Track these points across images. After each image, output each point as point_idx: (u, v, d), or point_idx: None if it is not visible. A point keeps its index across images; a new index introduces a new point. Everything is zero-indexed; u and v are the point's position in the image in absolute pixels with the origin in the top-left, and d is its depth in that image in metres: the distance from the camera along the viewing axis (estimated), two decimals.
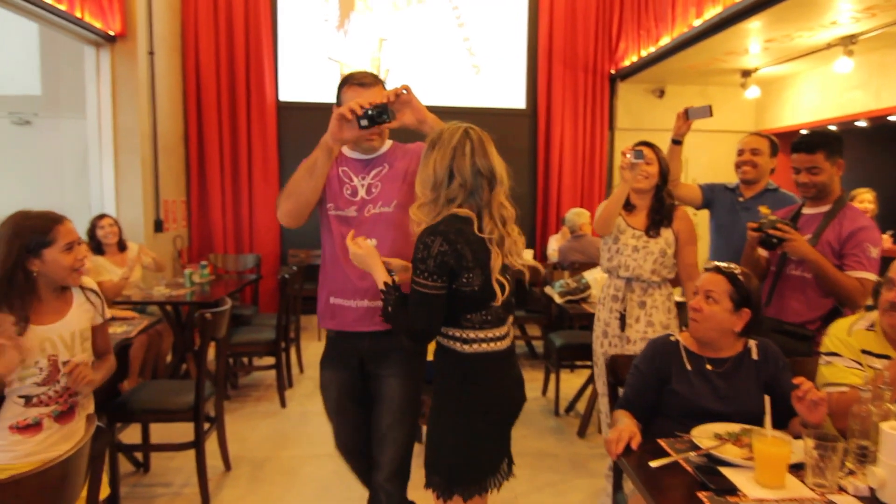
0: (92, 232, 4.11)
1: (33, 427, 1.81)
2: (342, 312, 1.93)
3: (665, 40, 4.90)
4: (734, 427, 1.67)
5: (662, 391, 1.88)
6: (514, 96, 6.31)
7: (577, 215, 4.81)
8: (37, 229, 1.79)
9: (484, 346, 1.65)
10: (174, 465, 3.19)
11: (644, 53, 5.38)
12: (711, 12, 4.16)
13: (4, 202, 6.04)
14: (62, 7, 4.18)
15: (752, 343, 1.89)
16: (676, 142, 2.90)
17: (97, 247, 4.12)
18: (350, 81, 1.92)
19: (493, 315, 1.65)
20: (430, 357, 1.81)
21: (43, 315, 1.84)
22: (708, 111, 2.79)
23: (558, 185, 6.30)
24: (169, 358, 4.27)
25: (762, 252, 2.51)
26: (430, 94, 6.14)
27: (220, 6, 5.82)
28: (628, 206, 2.70)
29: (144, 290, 4.10)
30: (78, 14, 4.36)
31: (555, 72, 6.18)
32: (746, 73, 5.55)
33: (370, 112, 1.76)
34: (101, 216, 4.14)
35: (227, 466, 3.15)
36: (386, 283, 1.65)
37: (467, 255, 1.54)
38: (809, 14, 3.95)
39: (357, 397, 2.00)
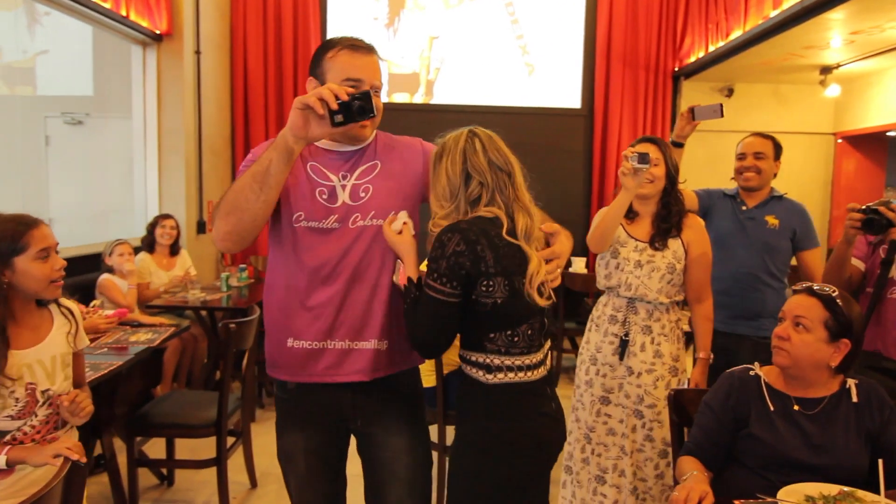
0: (151, 228, 4.09)
1: (3, 472, 1.53)
2: (309, 359, 1.49)
3: (736, 34, 4.51)
4: (831, 489, 1.36)
5: (738, 435, 1.58)
6: (569, 96, 6.00)
7: None
8: (6, 234, 1.58)
9: (511, 375, 1.39)
10: (199, 479, 3.03)
11: (712, 49, 4.98)
12: (790, 1, 3.77)
13: (59, 201, 6.12)
14: (107, 5, 4.13)
15: (852, 382, 1.56)
16: (677, 144, 2.56)
17: (150, 244, 4.07)
18: (340, 44, 1.47)
19: (523, 338, 1.40)
20: (425, 383, 1.59)
21: (19, 337, 1.61)
22: (718, 111, 2.45)
23: (615, 189, 5.93)
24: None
25: (857, 263, 2.14)
26: (481, 94, 5.90)
27: (269, 6, 5.73)
28: (629, 214, 2.31)
29: (179, 293, 3.99)
30: (123, 13, 4.30)
31: (613, 70, 5.84)
32: (826, 70, 5.09)
33: (352, 102, 1.31)
34: (166, 216, 4.17)
35: (253, 483, 2.98)
36: (409, 279, 1.42)
37: (488, 259, 1.33)
38: None
39: (335, 465, 1.60)
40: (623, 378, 2.25)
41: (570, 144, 6.01)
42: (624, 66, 5.83)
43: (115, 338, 2.75)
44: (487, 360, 1.40)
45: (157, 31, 4.74)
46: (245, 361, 2.91)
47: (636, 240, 2.27)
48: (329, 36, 5.87)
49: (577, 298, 4.79)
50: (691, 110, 2.54)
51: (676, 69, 5.79)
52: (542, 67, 5.98)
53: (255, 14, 5.72)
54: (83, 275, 3.96)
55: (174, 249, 4.17)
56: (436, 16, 5.94)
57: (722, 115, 2.46)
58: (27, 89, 6.21)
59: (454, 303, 1.34)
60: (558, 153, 5.99)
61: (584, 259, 5.18)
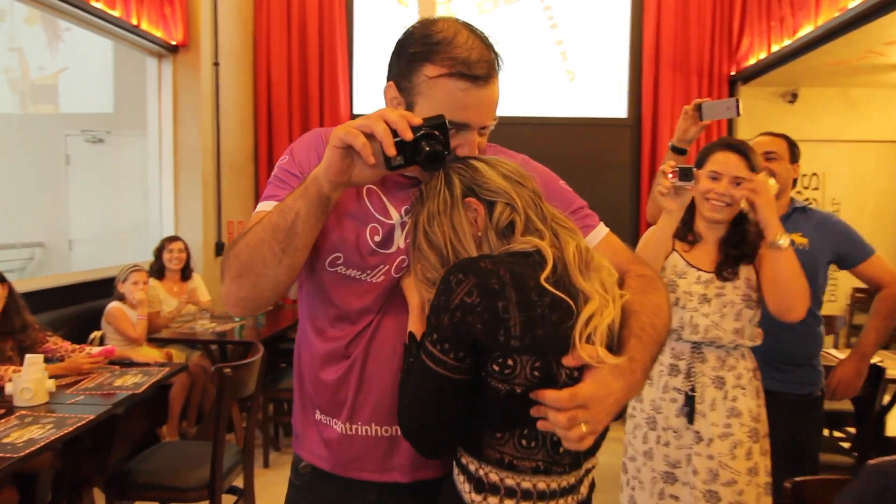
0: (158, 252, 3.77)
1: None
2: (333, 442, 1.14)
3: (806, 30, 4.01)
4: None
5: None
6: (613, 105, 5.54)
7: None
8: None
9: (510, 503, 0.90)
10: None
11: (776, 48, 4.48)
12: None
13: (80, 222, 5.91)
14: (117, 14, 3.86)
15: None
16: (679, 150, 2.07)
17: (160, 270, 3.75)
18: (452, 62, 1.00)
19: (544, 446, 0.90)
20: None
21: None
22: (733, 108, 1.94)
23: (649, 199, 5.43)
24: None
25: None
26: (519, 104, 5.48)
27: (293, 15, 5.44)
28: (686, 237, 1.88)
29: (188, 322, 3.65)
30: (135, 22, 4.04)
31: (662, 76, 5.36)
32: None
33: (418, 144, 0.89)
34: (173, 238, 3.81)
35: None
36: (410, 334, 1.02)
37: (512, 324, 0.83)
38: None
39: None
40: (690, 447, 1.77)
41: (615, 157, 5.53)
42: (674, 71, 5.34)
43: (97, 381, 2.39)
44: (481, 472, 0.92)
45: (173, 42, 4.47)
46: (251, 407, 2.52)
47: (699, 269, 1.82)
48: (355, 46, 5.56)
49: None
50: (698, 107, 2.02)
51: (733, 73, 5.28)
52: (583, 74, 5.54)
53: (279, 23, 5.43)
54: (95, 300, 3.66)
55: (185, 274, 3.84)
56: (469, 22, 5.56)
57: (738, 114, 1.95)
58: (49, 107, 6.04)
59: (459, 381, 0.87)
60: (602, 167, 5.52)
61: None
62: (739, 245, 1.80)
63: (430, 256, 0.99)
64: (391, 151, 0.88)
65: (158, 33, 4.31)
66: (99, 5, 3.71)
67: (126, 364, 2.62)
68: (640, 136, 5.50)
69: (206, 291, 3.97)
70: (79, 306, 3.61)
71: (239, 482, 2.49)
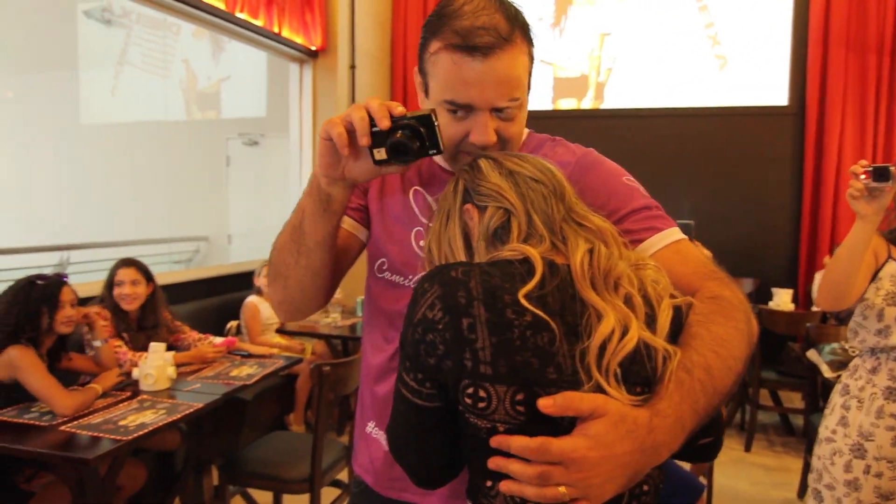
0: None
1: None
2: (382, 460, 1.07)
3: None
4: None
5: None
6: (771, 91, 4.97)
7: None
8: None
9: None
10: None
11: None
12: None
13: (237, 218, 6.43)
14: (259, 23, 4.11)
15: None
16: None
17: None
18: (446, 30, 0.89)
19: None
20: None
21: None
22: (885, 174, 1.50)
23: (833, 205, 4.78)
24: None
25: None
26: (661, 95, 5.12)
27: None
28: None
29: (314, 318, 3.79)
30: (276, 30, 4.28)
31: (833, 56, 4.71)
32: None
33: (392, 134, 0.83)
34: None
35: None
36: None
37: (478, 346, 0.69)
38: None
39: None
40: None
41: (773, 150, 4.97)
42: (847, 50, 4.68)
43: (217, 371, 2.53)
44: None
45: (313, 48, 4.68)
46: (354, 403, 2.55)
47: None
48: None
49: (778, 342, 3.82)
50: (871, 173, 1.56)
51: None
52: (736, 60, 5.03)
53: (416, 25, 5.50)
54: (234, 292, 3.95)
55: None
56: (608, 10, 5.28)
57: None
58: (212, 113, 6.63)
59: (425, 408, 0.75)
60: (758, 161, 4.98)
61: (791, 291, 4.16)
62: None
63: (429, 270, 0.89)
64: (363, 141, 0.81)
65: (299, 39, 4.53)
66: (243, 16, 3.96)
67: (245, 355, 2.76)
68: (803, 126, 4.89)
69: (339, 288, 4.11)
70: (225, 296, 3.92)
71: (344, 476, 2.53)
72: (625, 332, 0.70)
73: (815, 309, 3.96)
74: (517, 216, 0.81)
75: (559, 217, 0.81)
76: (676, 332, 0.76)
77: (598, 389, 0.68)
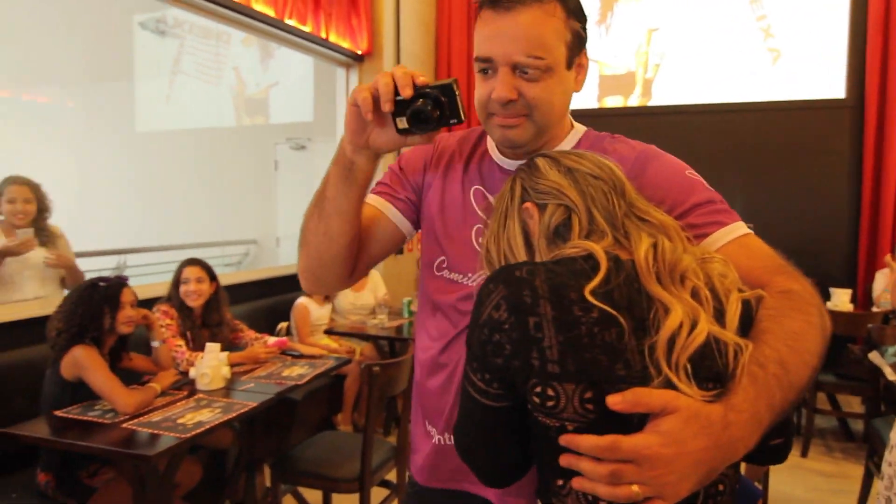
0: None
1: None
2: (435, 454, 1.10)
3: None
4: None
5: None
6: (827, 84, 4.80)
7: None
8: None
9: None
10: None
11: None
12: None
13: (287, 219, 6.55)
14: (307, 29, 4.18)
15: None
16: None
17: None
18: None
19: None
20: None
21: None
22: None
23: (895, 201, 4.59)
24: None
25: None
26: (711, 90, 4.99)
27: (473, 17, 5.47)
28: None
29: (365, 317, 3.84)
30: (324, 35, 4.34)
31: (893, 46, 4.52)
32: None
33: (414, 102, 0.85)
34: None
35: None
36: None
37: (546, 345, 0.68)
38: None
39: None
40: None
41: (830, 144, 4.79)
42: None
43: (269, 371, 2.59)
44: None
45: (359, 52, 4.74)
46: (401, 404, 2.57)
47: None
48: None
49: (837, 344, 3.69)
50: None
51: None
52: (791, 53, 4.87)
53: (459, 27, 5.52)
54: (284, 294, 4.04)
55: None
56: (655, 5, 5.18)
57: None
58: (260, 118, 6.78)
59: (494, 408, 0.75)
60: (814, 155, 4.82)
61: (850, 291, 4.01)
62: None
63: (489, 272, 0.89)
64: (386, 107, 0.85)
65: (346, 44, 4.60)
66: (292, 22, 4.04)
67: (296, 355, 2.82)
68: (862, 119, 4.70)
69: (384, 286, 4.14)
70: (275, 298, 4.01)
71: (392, 476, 2.55)
72: (693, 326, 0.69)
73: (875, 309, 3.81)
74: (578, 213, 0.81)
75: (620, 213, 0.81)
76: (746, 327, 0.75)
77: (668, 385, 0.67)
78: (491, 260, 0.88)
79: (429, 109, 0.84)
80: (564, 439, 0.68)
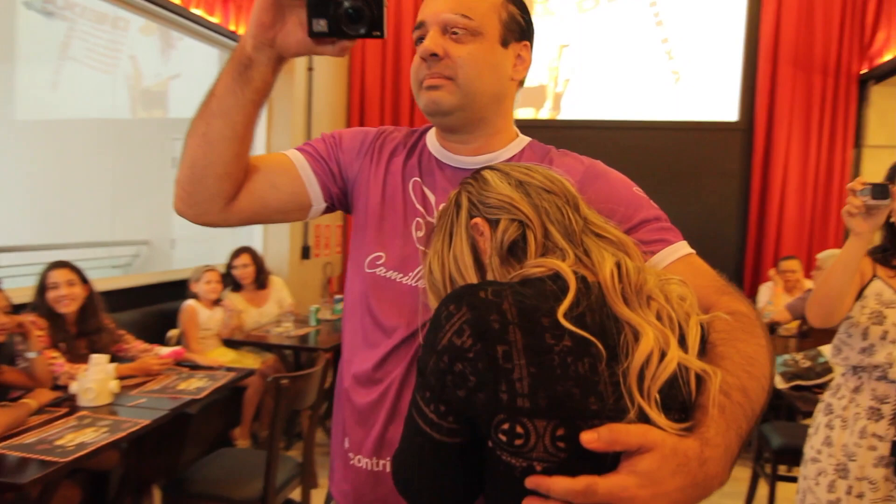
0: (229, 266, 3.79)
1: None
2: (364, 479, 0.99)
3: None
4: None
5: None
6: (723, 107, 5.10)
7: (834, 258, 3.52)
8: None
9: None
10: None
11: None
12: None
13: (183, 223, 6.18)
14: (215, 20, 3.96)
15: None
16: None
17: (235, 284, 3.78)
18: None
19: None
20: None
21: None
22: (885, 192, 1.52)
23: (778, 219, 4.93)
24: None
25: None
26: (617, 107, 5.18)
27: (389, 17, 5.36)
28: (889, 260, 1.69)
29: (267, 326, 3.66)
30: (233, 27, 4.13)
31: (781, 74, 4.87)
32: None
33: (347, 3, 0.77)
34: (239, 252, 3.79)
35: None
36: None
37: (515, 377, 0.62)
38: None
39: None
40: (892, 500, 1.61)
41: (724, 165, 5.09)
42: (795, 69, 4.84)
43: (163, 384, 2.39)
44: None
45: None
46: (306, 417, 2.45)
47: None
48: None
49: None
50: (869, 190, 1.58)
51: (864, 71, 4.71)
52: (691, 75, 5.14)
53: None
54: (178, 300, 3.77)
55: (260, 283, 3.82)
56: (568, 22, 5.32)
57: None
58: (159, 112, 6.38)
59: (446, 444, 0.67)
60: (709, 175, 5.09)
61: None
62: None
63: (431, 298, 0.82)
64: None
65: None
66: (199, 12, 3.81)
67: (194, 367, 2.62)
68: (751, 141, 5.03)
69: (289, 294, 3.97)
70: (167, 304, 3.73)
71: (297, 495, 2.42)
72: (663, 353, 0.65)
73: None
74: (533, 229, 0.75)
75: (578, 229, 0.76)
76: (700, 351, 0.72)
77: (642, 417, 0.62)
78: (434, 281, 0.81)
79: (350, 14, 0.77)
80: (533, 482, 0.62)
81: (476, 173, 0.85)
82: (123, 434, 1.86)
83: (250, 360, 3.51)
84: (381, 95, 5.47)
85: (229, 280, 3.73)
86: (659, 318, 0.68)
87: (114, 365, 2.26)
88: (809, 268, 4.43)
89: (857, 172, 4.92)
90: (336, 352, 3.26)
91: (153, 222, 6.18)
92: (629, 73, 5.21)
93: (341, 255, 5.52)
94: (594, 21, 5.28)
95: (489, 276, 0.77)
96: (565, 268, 0.69)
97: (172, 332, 2.94)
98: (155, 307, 3.64)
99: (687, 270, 0.87)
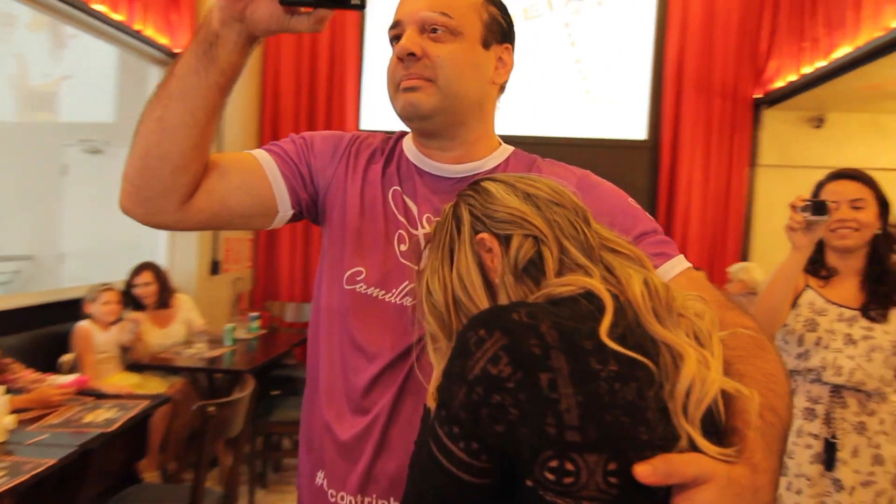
0: (129, 286, 3.48)
1: None
2: None
3: (844, 50, 3.79)
4: None
5: None
6: (632, 126, 5.32)
7: (744, 270, 3.75)
8: None
9: None
10: None
11: (807, 70, 4.26)
12: None
13: (75, 233, 5.69)
14: (119, 18, 3.68)
15: None
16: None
17: (136, 303, 3.48)
18: None
19: None
20: None
21: None
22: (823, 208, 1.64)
23: (683, 233, 5.19)
24: None
25: None
26: (530, 123, 5.27)
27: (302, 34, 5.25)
28: (819, 272, 1.78)
29: (177, 347, 3.40)
30: (138, 27, 3.85)
31: (684, 97, 5.15)
32: None
33: None
34: (140, 269, 3.48)
35: None
36: (425, 407, 0.76)
37: (566, 406, 0.56)
38: None
39: None
40: (827, 495, 1.69)
41: (632, 179, 5.28)
42: (697, 92, 5.13)
43: (65, 416, 2.14)
44: None
45: (177, 51, 4.28)
46: (238, 446, 2.27)
47: (840, 306, 1.73)
48: (366, 58, 5.36)
49: None
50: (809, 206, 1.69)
51: (758, 96, 5.06)
52: (602, 94, 5.33)
53: (289, 36, 5.25)
54: (69, 322, 3.41)
55: (163, 302, 3.55)
56: None
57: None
58: (47, 115, 5.87)
59: (473, 484, 0.60)
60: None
61: None
62: (883, 279, 1.72)
63: (431, 321, 0.75)
64: None
65: (164, 41, 4.13)
66: (102, 8, 3.52)
67: (100, 395, 2.38)
68: (657, 159, 5.27)
69: (198, 314, 3.71)
70: (57, 327, 3.36)
71: None
72: (706, 373, 0.61)
73: None
74: (548, 245, 0.69)
75: (595, 244, 0.71)
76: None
77: (691, 446, 0.58)
78: (435, 303, 0.74)
79: None
80: None
81: (476, 184, 0.79)
82: (26, 477, 1.64)
83: (155, 385, 3.23)
84: (297, 102, 5.30)
85: (129, 300, 3.44)
86: (693, 335, 0.65)
87: (7, 397, 2.00)
88: (712, 280, 4.68)
89: (752, 190, 5.27)
90: (255, 374, 3.07)
91: (38, 235, 5.65)
92: (543, 91, 5.32)
93: (251, 269, 5.27)
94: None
95: (501, 296, 0.71)
96: (598, 285, 0.64)
97: (65, 358, 2.65)
98: (43, 330, 3.27)
99: (689, 285, 0.85)
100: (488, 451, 0.59)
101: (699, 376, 0.60)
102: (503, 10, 0.98)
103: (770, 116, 5.14)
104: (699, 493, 0.57)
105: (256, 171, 0.93)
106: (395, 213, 0.95)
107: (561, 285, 0.66)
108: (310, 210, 1.00)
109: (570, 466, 0.56)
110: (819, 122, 5.13)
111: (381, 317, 0.90)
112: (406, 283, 0.91)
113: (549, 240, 0.70)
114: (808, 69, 4.26)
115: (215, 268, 4.54)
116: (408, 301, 0.90)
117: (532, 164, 1.01)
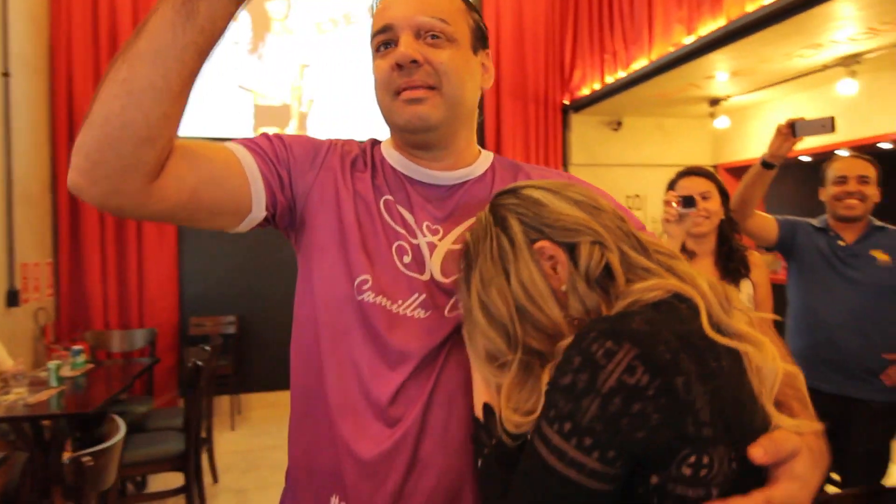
0: None
1: None
2: None
3: (641, 63, 4.32)
4: None
5: None
6: None
7: None
8: None
9: None
10: None
11: (609, 80, 4.78)
12: (711, 26, 3.58)
13: None
14: None
15: None
16: (769, 165, 2.16)
17: None
18: None
19: None
20: None
21: None
22: (829, 125, 1.97)
23: None
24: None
25: None
26: (361, 128, 5.26)
27: (100, 20, 4.70)
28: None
29: None
30: None
31: (503, 103, 5.50)
32: (715, 102, 5.08)
33: None
34: None
35: None
36: (485, 407, 0.76)
37: (697, 407, 0.60)
38: (812, 30, 3.46)
39: None
40: None
41: None
42: (514, 99, 5.52)
43: None
44: None
45: None
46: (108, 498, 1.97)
47: None
48: None
49: None
50: (791, 125, 2.06)
51: (566, 102, 5.57)
52: None
53: (82, 30, 4.66)
54: None
55: None
56: (307, 41, 5.25)
57: (833, 130, 1.98)
58: None
59: (603, 493, 0.61)
60: None
61: None
62: (731, 255, 1.98)
63: (491, 334, 0.75)
64: None
65: None
66: None
67: None
68: None
69: (6, 353, 3.15)
70: None
71: None
72: (776, 360, 0.68)
73: None
74: (611, 250, 0.72)
75: (651, 248, 0.74)
76: None
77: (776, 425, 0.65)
78: (496, 315, 0.73)
79: None
80: None
81: (515, 192, 0.79)
82: None
83: None
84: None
85: None
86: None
87: None
88: None
89: None
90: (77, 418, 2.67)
91: None
92: (370, 96, 5.31)
93: (53, 298, 4.60)
94: (333, 43, 5.30)
95: (572, 303, 0.72)
96: (685, 287, 0.68)
97: None
98: None
99: None
100: (625, 457, 0.61)
101: (772, 362, 0.68)
102: (480, 15, 0.98)
103: (577, 121, 5.68)
104: (797, 464, 0.64)
105: (233, 165, 0.83)
106: (390, 223, 0.91)
107: (648, 290, 0.68)
108: (283, 216, 0.91)
109: (706, 460, 0.60)
110: (618, 125, 5.79)
111: (396, 325, 0.86)
112: (415, 295, 0.87)
113: (610, 245, 0.72)
114: (610, 79, 4.79)
115: (13, 298, 3.88)
116: (420, 314, 0.87)
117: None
